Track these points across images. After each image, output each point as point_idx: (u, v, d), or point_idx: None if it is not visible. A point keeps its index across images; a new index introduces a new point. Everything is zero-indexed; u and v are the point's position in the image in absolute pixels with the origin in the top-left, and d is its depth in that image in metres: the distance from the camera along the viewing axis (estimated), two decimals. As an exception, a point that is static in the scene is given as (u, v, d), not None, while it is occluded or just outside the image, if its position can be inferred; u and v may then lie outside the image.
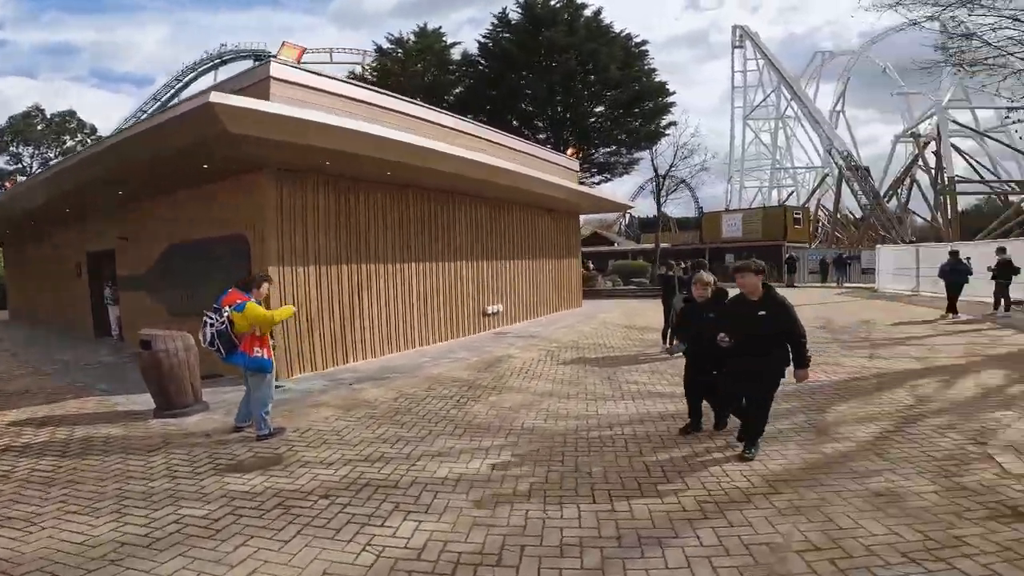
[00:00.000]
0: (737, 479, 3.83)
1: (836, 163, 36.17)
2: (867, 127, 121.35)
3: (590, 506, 3.51)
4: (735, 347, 4.17)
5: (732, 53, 49.90)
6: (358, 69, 34.72)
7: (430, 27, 33.00)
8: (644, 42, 31.03)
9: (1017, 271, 11.69)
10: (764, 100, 47.88)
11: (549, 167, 13.98)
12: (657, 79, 31.14)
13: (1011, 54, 16.14)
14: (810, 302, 17.02)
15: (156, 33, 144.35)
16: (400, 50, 32.45)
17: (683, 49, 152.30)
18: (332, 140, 6.86)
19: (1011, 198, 31.57)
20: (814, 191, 41.24)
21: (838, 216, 37.49)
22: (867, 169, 36.31)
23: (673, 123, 31.36)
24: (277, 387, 5.95)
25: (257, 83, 6.97)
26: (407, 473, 4.07)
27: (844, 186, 35.55)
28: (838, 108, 45.37)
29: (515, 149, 12.88)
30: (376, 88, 9.79)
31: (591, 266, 25.38)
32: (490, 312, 12.06)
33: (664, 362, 8.20)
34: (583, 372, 7.73)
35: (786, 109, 45.33)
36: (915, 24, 17.40)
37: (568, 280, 16.19)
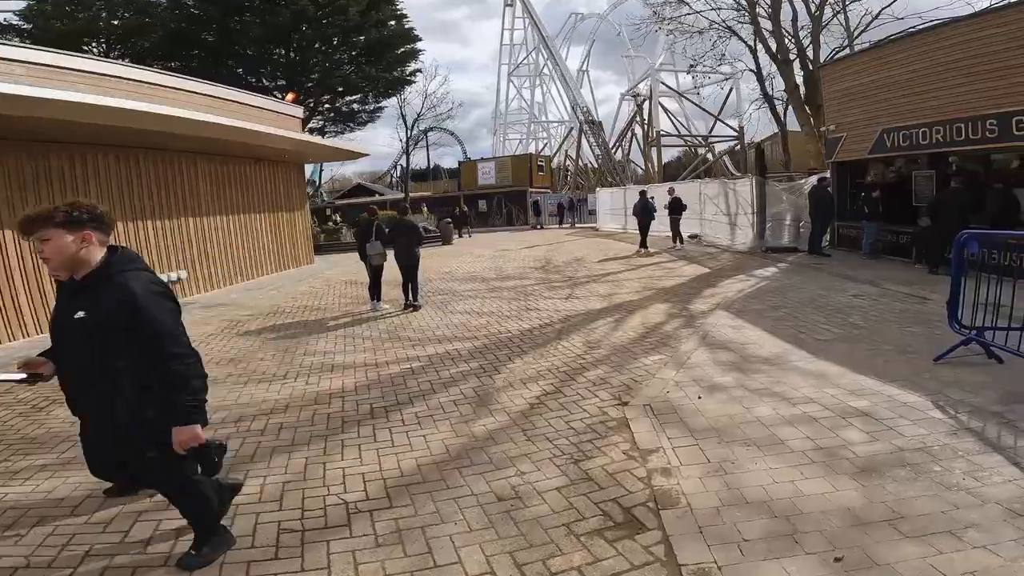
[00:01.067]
0: (353, 487, 2.97)
1: (578, 118, 39.48)
2: (605, 87, 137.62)
3: (98, 563, 2.36)
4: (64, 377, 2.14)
5: (503, 11, 50.29)
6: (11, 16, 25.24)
7: None
8: (396, -16, 28.57)
9: (684, 208, 13.72)
10: (526, 58, 49.47)
11: (259, 114, 12.00)
12: (407, 25, 29.22)
13: (699, 12, 18.71)
14: (544, 242, 18.08)
15: None
16: None
17: (462, 7, 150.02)
18: None
19: (699, 150, 38.67)
20: (562, 143, 44.69)
21: (580, 165, 41.44)
22: (600, 124, 40.57)
23: (418, 70, 30.25)
24: None
25: None
26: None
27: (584, 139, 39.14)
28: (584, 68, 49.34)
29: (198, 92, 10.41)
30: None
31: (337, 219, 23.29)
32: (167, 281, 9.49)
33: (362, 324, 7.15)
34: (260, 345, 6.35)
35: (544, 67, 47.53)
36: None
37: (293, 236, 14.17)
